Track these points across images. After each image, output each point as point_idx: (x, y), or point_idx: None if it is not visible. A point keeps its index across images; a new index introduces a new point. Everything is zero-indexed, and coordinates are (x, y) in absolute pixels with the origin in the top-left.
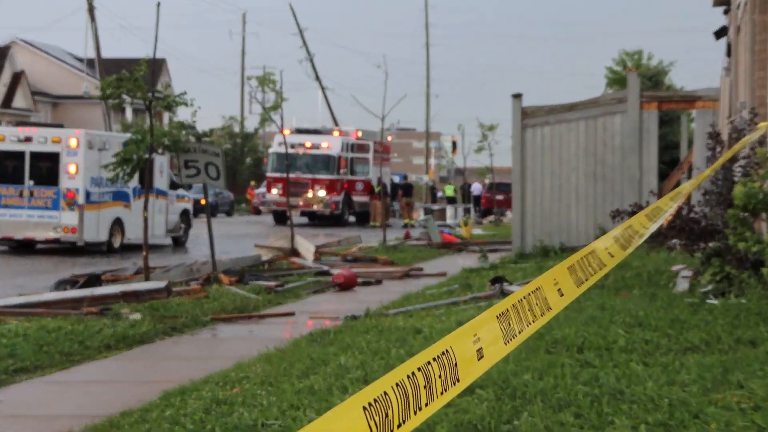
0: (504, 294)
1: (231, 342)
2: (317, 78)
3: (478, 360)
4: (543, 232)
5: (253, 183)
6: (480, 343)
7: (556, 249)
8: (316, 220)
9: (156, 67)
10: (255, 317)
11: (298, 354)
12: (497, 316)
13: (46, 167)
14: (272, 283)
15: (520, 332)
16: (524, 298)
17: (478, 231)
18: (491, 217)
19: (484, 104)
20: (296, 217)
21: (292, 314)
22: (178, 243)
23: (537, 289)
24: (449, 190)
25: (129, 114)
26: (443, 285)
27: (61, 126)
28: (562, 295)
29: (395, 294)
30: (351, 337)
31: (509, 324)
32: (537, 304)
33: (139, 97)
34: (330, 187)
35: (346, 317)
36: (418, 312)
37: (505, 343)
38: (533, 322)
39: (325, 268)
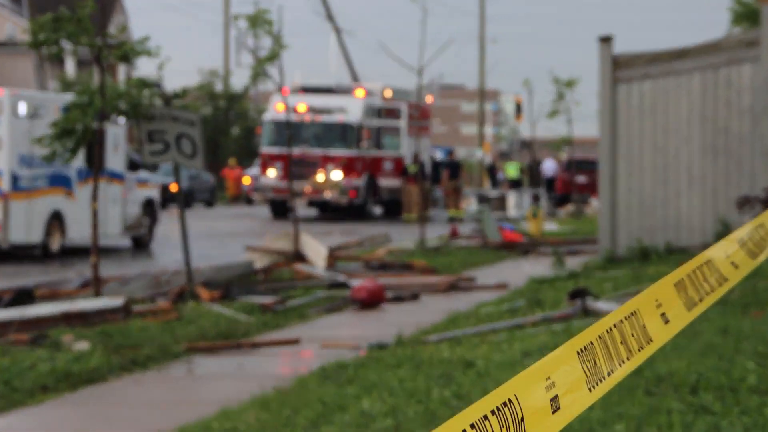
0: (587, 313)
1: (213, 380)
2: (329, 16)
3: (553, 413)
4: (641, 228)
5: (231, 161)
6: (555, 390)
7: (659, 251)
8: (330, 212)
9: (107, 1)
10: (246, 346)
11: (305, 396)
12: (578, 352)
13: None
14: (269, 300)
15: (610, 374)
16: (615, 326)
17: (551, 226)
18: (570, 207)
19: (561, 52)
20: (303, 209)
21: (296, 341)
22: (140, 244)
23: (633, 313)
24: (512, 170)
25: (71, 67)
26: (503, 301)
27: None
28: (667, 322)
29: (437, 313)
30: (377, 373)
31: (595, 363)
32: (633, 335)
33: (84, 43)
34: (348, 167)
35: (370, 345)
36: (469, 338)
37: (590, 389)
38: (628, 359)
39: (342, 278)
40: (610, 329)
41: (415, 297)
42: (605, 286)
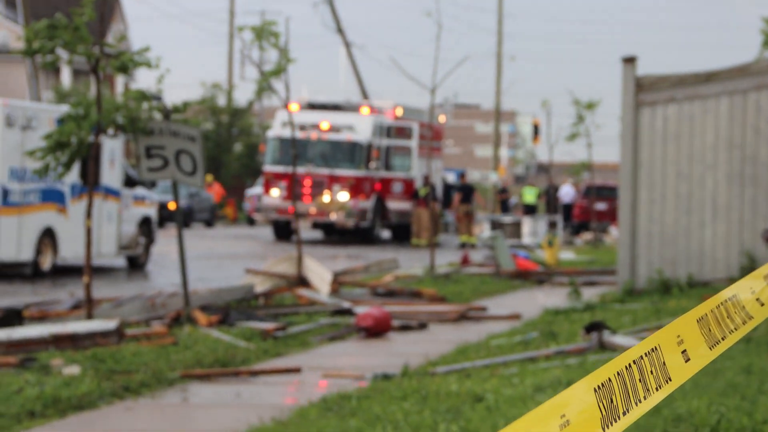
0: (604, 347)
1: (209, 409)
2: (339, 29)
3: None
4: (663, 259)
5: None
6: (569, 428)
7: (681, 284)
8: (335, 234)
9: (106, 9)
10: (244, 374)
11: (305, 429)
12: (595, 389)
13: None
14: (270, 326)
15: (626, 413)
16: (634, 362)
17: (568, 255)
18: (587, 235)
19: (581, 73)
20: (307, 231)
21: (297, 370)
22: (136, 264)
23: (653, 349)
24: (529, 195)
25: (66, 77)
26: (516, 332)
27: None
28: (687, 360)
29: (446, 344)
30: (382, 405)
31: (611, 400)
32: (652, 372)
33: (80, 52)
34: (355, 187)
35: (374, 376)
36: (479, 371)
37: (604, 429)
38: (645, 398)
39: (346, 305)
40: (630, 365)
41: (423, 326)
42: (623, 319)
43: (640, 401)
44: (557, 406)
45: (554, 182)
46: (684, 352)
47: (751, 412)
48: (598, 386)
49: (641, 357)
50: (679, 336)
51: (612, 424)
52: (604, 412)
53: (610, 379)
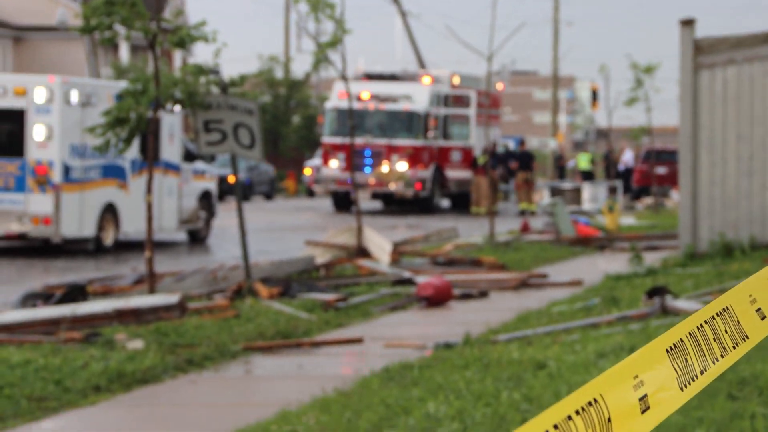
0: (666, 312)
1: (272, 381)
2: None
3: (642, 413)
4: (725, 222)
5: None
6: (644, 389)
7: (744, 246)
8: (395, 205)
9: None
10: (306, 345)
11: (367, 398)
12: (667, 350)
13: (6, 130)
14: (331, 297)
15: (703, 372)
16: (705, 323)
17: (629, 220)
18: (648, 200)
19: (640, 36)
20: (366, 201)
21: (359, 341)
22: (197, 239)
23: (725, 309)
24: (584, 162)
25: (124, 53)
26: (577, 299)
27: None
28: (764, 317)
29: (507, 312)
30: (444, 375)
31: (686, 360)
32: (726, 331)
33: (138, 28)
34: (414, 157)
35: (436, 345)
36: (541, 338)
37: (682, 388)
38: (722, 357)
39: (407, 274)
40: (701, 325)
41: (484, 294)
42: (685, 284)
43: (716, 360)
44: (630, 368)
45: (613, 147)
46: (758, 310)
47: None
48: (671, 347)
49: (713, 317)
50: (750, 294)
51: (689, 384)
52: (679, 373)
53: (682, 340)
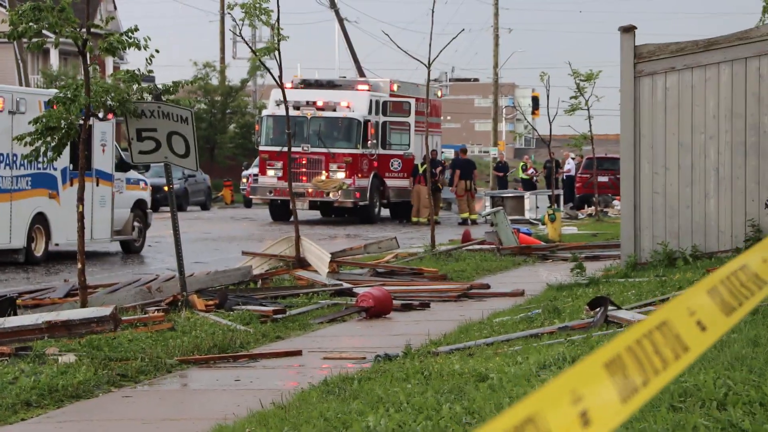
0: (609, 323)
1: (208, 395)
2: (332, 4)
3: (583, 427)
4: (667, 232)
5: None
6: (583, 404)
7: (686, 256)
8: (333, 214)
9: None
10: (244, 358)
11: (306, 412)
12: (605, 364)
13: None
14: (269, 308)
15: (644, 384)
16: (645, 336)
17: (571, 229)
18: (590, 209)
19: (580, 44)
20: (304, 211)
21: (298, 353)
22: (131, 250)
23: (663, 323)
24: (520, 170)
25: (54, 60)
26: (519, 309)
27: None
28: (704, 329)
29: (448, 323)
30: (384, 387)
31: (624, 375)
32: (666, 344)
33: (67, 34)
34: (353, 166)
35: (376, 357)
36: (482, 349)
37: (623, 401)
38: (663, 369)
39: (346, 285)
40: (639, 340)
41: (425, 305)
42: (628, 294)
43: (657, 372)
44: (567, 383)
45: (553, 156)
46: (698, 322)
47: (760, 385)
48: (609, 361)
49: (651, 330)
50: (689, 307)
51: (630, 398)
52: (619, 387)
53: (620, 355)
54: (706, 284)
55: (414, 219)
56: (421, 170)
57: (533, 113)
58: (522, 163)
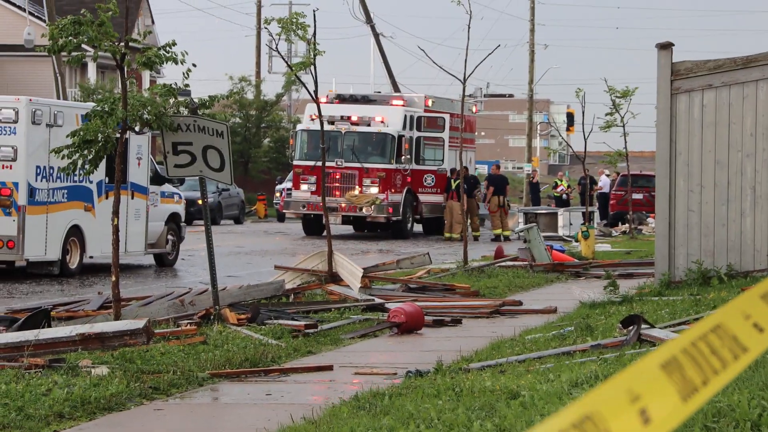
0: (642, 342)
1: (239, 409)
2: (369, 20)
3: (645, 424)
4: (702, 250)
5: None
6: (641, 402)
7: (721, 275)
8: (366, 229)
9: (131, 3)
10: (275, 372)
11: (337, 427)
12: (662, 365)
13: None
14: (301, 323)
15: (704, 383)
16: (700, 338)
17: (604, 247)
18: (624, 227)
19: (616, 60)
20: (337, 226)
21: (329, 368)
22: (164, 263)
23: (717, 326)
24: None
25: (92, 73)
26: (551, 327)
27: None
28: (761, 330)
29: (480, 339)
30: (415, 403)
31: (682, 375)
32: (723, 345)
33: (106, 48)
34: (386, 181)
35: (408, 373)
36: (514, 366)
37: (684, 400)
38: (723, 369)
39: (378, 300)
40: (695, 342)
41: (456, 321)
42: (661, 312)
43: (716, 372)
44: (624, 381)
45: (588, 172)
46: (755, 324)
47: None
48: (665, 362)
49: (707, 333)
50: (744, 310)
51: (691, 396)
52: (678, 386)
53: (675, 357)
54: (760, 290)
55: (446, 235)
56: (453, 186)
57: (568, 129)
58: (555, 180)
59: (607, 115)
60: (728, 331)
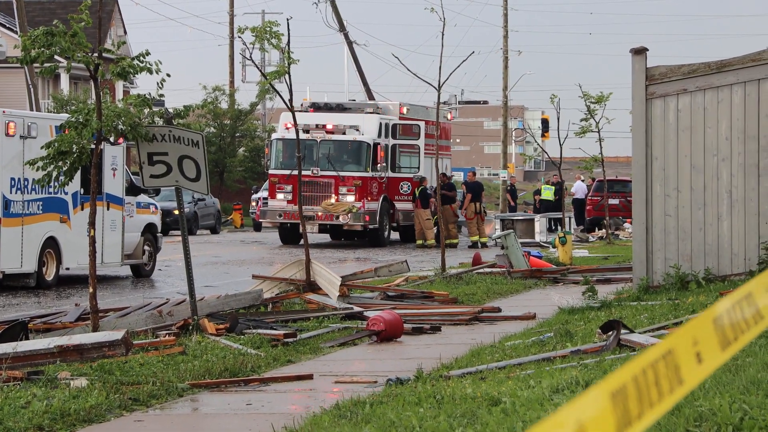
0: (622, 347)
1: (220, 419)
2: (342, 27)
3: None
4: (679, 254)
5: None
6: None
7: (699, 279)
8: (343, 238)
9: (104, 13)
10: (255, 382)
11: None
12: (612, 395)
13: None
14: (280, 332)
15: (639, 416)
16: (651, 366)
17: (582, 252)
18: (601, 232)
19: (590, 66)
20: (314, 234)
21: (309, 377)
22: (141, 274)
23: (668, 352)
24: (548, 192)
25: (65, 84)
26: (531, 333)
27: None
28: (700, 361)
29: (460, 347)
30: (396, 411)
31: (625, 406)
32: (666, 375)
33: (79, 59)
34: (362, 189)
35: (388, 381)
36: (494, 373)
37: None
38: (658, 401)
39: (357, 309)
40: (645, 370)
41: (436, 329)
42: (641, 317)
43: (652, 405)
44: (570, 412)
45: (562, 178)
46: (698, 354)
47: None
48: (615, 392)
49: (657, 361)
50: (694, 337)
51: (625, 429)
52: (618, 418)
53: (625, 386)
54: (712, 313)
55: (419, 242)
56: (417, 193)
57: (543, 135)
58: (547, 186)
59: (582, 120)
60: (674, 358)
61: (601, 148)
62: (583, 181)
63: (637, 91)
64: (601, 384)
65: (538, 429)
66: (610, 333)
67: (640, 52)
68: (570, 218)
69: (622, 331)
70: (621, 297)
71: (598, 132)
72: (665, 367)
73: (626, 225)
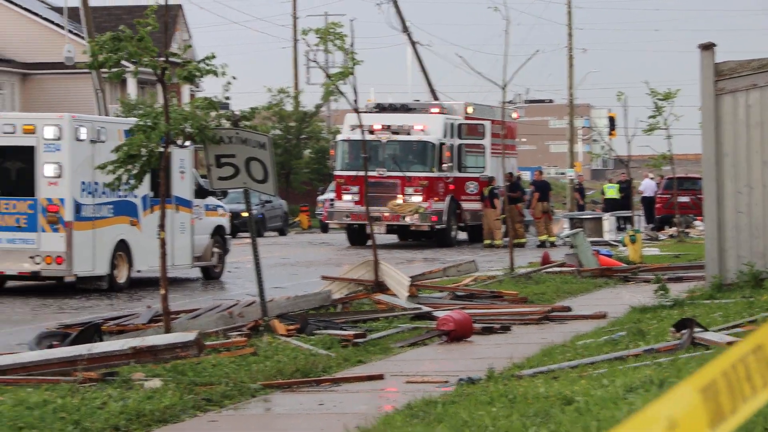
0: (696, 345)
1: (292, 419)
2: (404, 28)
3: None
4: (753, 252)
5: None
6: (676, 431)
7: None
8: (410, 238)
9: (169, 18)
10: (326, 382)
11: None
12: (702, 390)
13: (16, 169)
14: (350, 333)
15: (733, 410)
16: (741, 361)
17: (652, 251)
18: (671, 230)
19: (657, 62)
20: (381, 235)
21: (379, 377)
22: (211, 275)
23: (758, 348)
24: (612, 190)
25: (132, 88)
26: (602, 332)
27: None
28: None
29: (530, 346)
30: (468, 411)
31: (716, 402)
32: (758, 370)
33: (146, 63)
34: (428, 189)
35: (459, 381)
36: (566, 372)
37: (713, 428)
38: (752, 396)
39: (426, 309)
40: (735, 365)
41: (505, 328)
42: (714, 315)
43: (746, 399)
44: (659, 408)
45: (631, 176)
46: None
47: None
48: (704, 387)
49: (747, 355)
50: None
51: (720, 424)
52: (711, 413)
53: (715, 380)
54: None
55: (486, 242)
56: (486, 193)
57: (610, 134)
58: (610, 185)
59: (649, 117)
60: (766, 354)
61: (669, 145)
62: (652, 178)
63: (706, 87)
64: (690, 380)
65: (628, 425)
66: (684, 331)
67: (708, 47)
68: (639, 216)
69: (696, 329)
70: (693, 295)
71: (667, 129)
72: (756, 362)
73: (697, 223)
